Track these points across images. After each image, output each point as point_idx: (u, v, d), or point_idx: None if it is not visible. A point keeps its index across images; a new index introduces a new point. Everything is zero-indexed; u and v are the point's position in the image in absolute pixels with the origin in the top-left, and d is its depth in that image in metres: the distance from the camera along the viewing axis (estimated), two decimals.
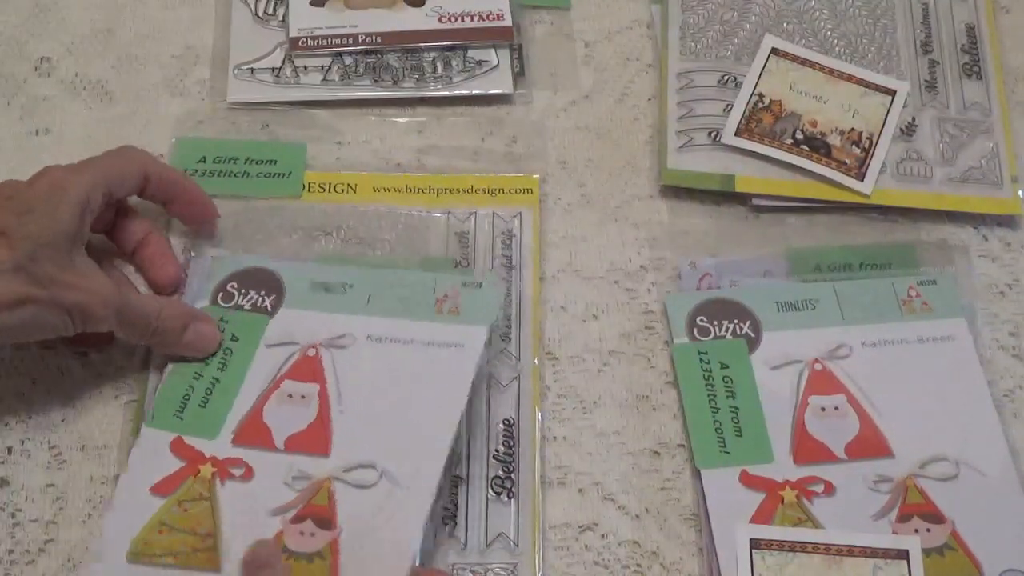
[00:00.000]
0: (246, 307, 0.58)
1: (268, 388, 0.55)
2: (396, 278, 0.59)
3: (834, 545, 0.53)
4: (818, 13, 0.70)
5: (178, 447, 0.53)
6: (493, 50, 0.69)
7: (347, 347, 0.56)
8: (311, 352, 0.56)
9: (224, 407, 0.55)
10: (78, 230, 0.52)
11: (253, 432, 0.54)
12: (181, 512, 0.51)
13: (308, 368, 0.56)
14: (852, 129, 0.66)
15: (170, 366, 0.56)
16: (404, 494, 0.51)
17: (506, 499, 0.54)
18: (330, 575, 0.50)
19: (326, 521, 0.51)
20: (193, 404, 0.55)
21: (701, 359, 0.58)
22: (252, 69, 0.68)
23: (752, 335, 0.59)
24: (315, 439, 0.54)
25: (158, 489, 0.52)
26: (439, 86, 0.68)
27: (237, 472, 0.53)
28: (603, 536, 0.54)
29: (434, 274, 0.59)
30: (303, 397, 0.55)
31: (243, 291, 0.58)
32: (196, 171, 0.63)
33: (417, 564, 0.50)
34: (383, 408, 0.55)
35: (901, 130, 0.66)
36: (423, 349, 0.56)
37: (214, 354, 0.56)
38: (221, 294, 0.58)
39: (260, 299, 0.58)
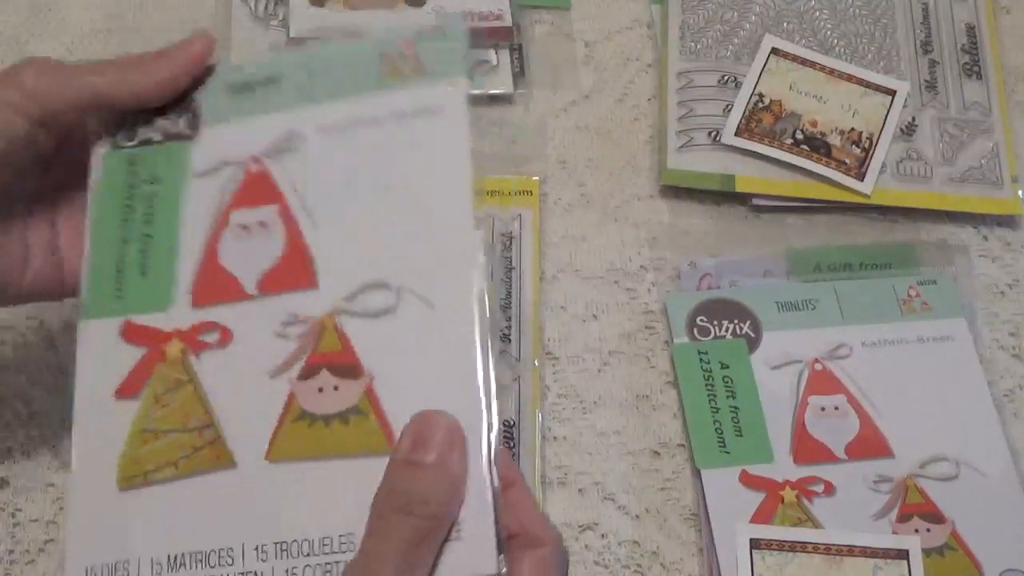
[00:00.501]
0: (156, 138, 0.45)
1: (214, 226, 0.43)
2: (333, 54, 0.45)
3: (834, 545, 0.53)
4: (818, 13, 0.70)
5: (131, 332, 0.42)
6: (493, 50, 0.69)
7: (297, 149, 0.44)
8: (254, 168, 0.44)
9: (168, 266, 0.43)
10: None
11: (214, 284, 0.42)
12: (162, 410, 0.41)
13: (256, 188, 0.43)
14: (852, 129, 0.66)
15: (88, 241, 0.45)
16: (440, 314, 0.39)
17: None
18: (382, 433, 0.39)
19: (347, 368, 0.40)
20: (131, 275, 0.43)
21: (701, 359, 0.58)
22: None
23: (752, 335, 0.59)
24: (293, 270, 0.42)
25: (123, 392, 0.42)
26: None
27: (211, 339, 0.41)
28: (603, 536, 0.54)
29: (379, 37, 0.45)
30: (262, 224, 0.43)
31: (148, 121, 0.45)
32: None
33: (484, 399, 0.38)
34: (366, 212, 0.42)
35: (901, 130, 0.66)
36: (393, 128, 0.43)
37: (132, 207, 0.44)
38: (122, 131, 0.46)
39: (173, 123, 0.45)
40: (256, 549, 0.38)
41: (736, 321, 0.59)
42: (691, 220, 0.64)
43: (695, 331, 0.59)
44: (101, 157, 0.45)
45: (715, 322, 0.59)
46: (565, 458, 0.56)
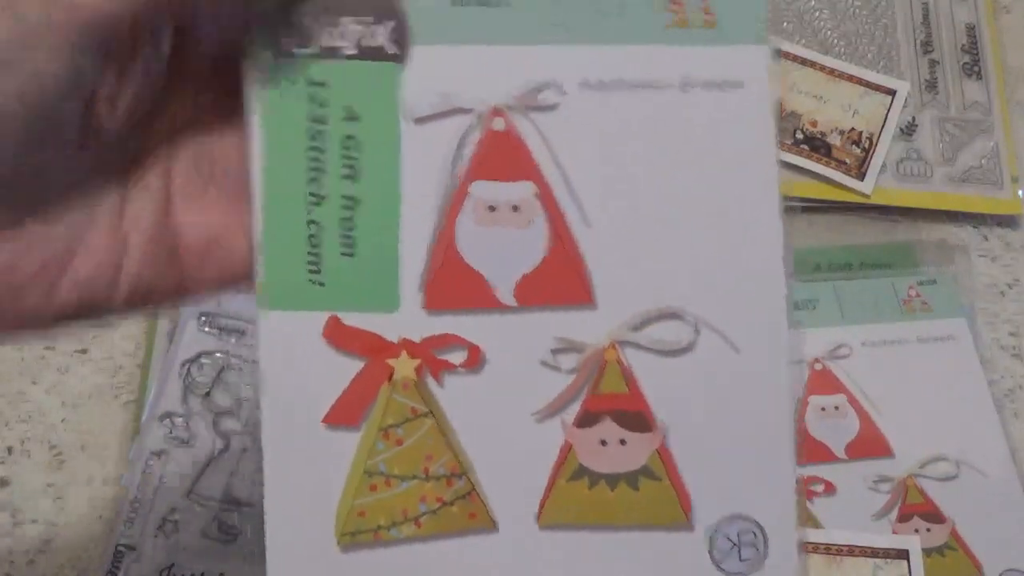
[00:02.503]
0: (347, 50, 0.30)
1: (451, 199, 0.31)
2: None
3: (834, 545, 0.53)
4: (818, 13, 0.70)
5: (340, 334, 0.31)
6: None
7: (555, 107, 0.31)
8: (497, 124, 0.31)
9: (385, 248, 0.31)
10: None
11: (455, 284, 0.31)
12: (394, 448, 0.31)
13: (503, 154, 0.31)
14: (852, 129, 0.66)
15: (259, 197, 0.30)
16: (746, 360, 0.33)
17: None
18: (678, 501, 0.32)
19: (636, 418, 0.32)
20: (330, 254, 0.31)
21: None
22: None
23: None
24: (563, 279, 0.32)
25: (336, 418, 0.31)
26: None
27: (456, 359, 0.31)
28: None
29: None
30: (515, 208, 0.31)
31: (331, 22, 0.30)
32: None
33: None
34: (653, 206, 0.32)
35: (901, 130, 0.66)
36: (679, 97, 0.32)
37: (321, 154, 0.31)
38: (289, 31, 0.30)
39: (369, 31, 0.30)
40: None
41: None
42: None
43: None
44: (261, 72, 0.30)
45: None
46: None
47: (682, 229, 0.32)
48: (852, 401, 0.57)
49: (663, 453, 0.32)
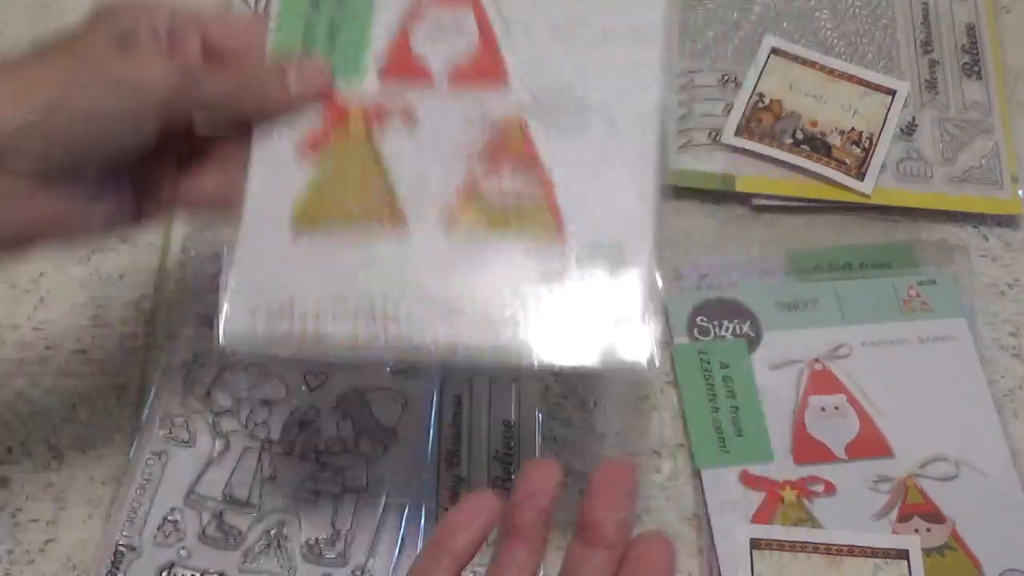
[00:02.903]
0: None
1: (409, 5, 0.46)
2: None
3: (834, 545, 0.53)
4: (818, 13, 0.70)
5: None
6: None
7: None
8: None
9: (358, 29, 0.45)
10: None
11: (404, 65, 0.45)
12: (341, 171, 0.44)
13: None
14: (852, 129, 0.66)
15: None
16: (621, 130, 0.43)
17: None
18: (554, 223, 0.43)
19: (526, 160, 0.43)
20: (320, 34, 0.45)
21: (701, 359, 0.58)
22: None
23: (752, 335, 0.59)
24: (484, 64, 0.44)
25: (306, 150, 0.44)
26: None
27: (395, 122, 0.44)
28: None
29: None
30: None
31: None
32: None
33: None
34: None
35: (901, 130, 0.66)
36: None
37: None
38: None
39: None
40: (409, 301, 0.42)
41: (736, 321, 0.59)
42: (691, 220, 0.64)
43: (695, 331, 0.59)
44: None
45: (715, 322, 0.59)
46: (565, 458, 0.56)
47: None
48: (852, 401, 0.57)
49: (547, 187, 0.43)
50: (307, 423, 0.55)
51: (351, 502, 0.53)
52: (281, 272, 0.43)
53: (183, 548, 0.52)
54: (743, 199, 0.65)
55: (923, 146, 0.66)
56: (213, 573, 0.51)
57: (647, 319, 0.42)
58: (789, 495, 0.54)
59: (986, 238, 0.64)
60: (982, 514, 0.54)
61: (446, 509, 0.54)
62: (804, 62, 0.68)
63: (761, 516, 0.53)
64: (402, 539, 0.52)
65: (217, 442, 0.55)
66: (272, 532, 0.52)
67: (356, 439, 0.55)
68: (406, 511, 0.53)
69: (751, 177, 0.64)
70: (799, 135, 0.65)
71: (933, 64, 0.69)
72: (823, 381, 0.58)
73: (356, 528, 0.52)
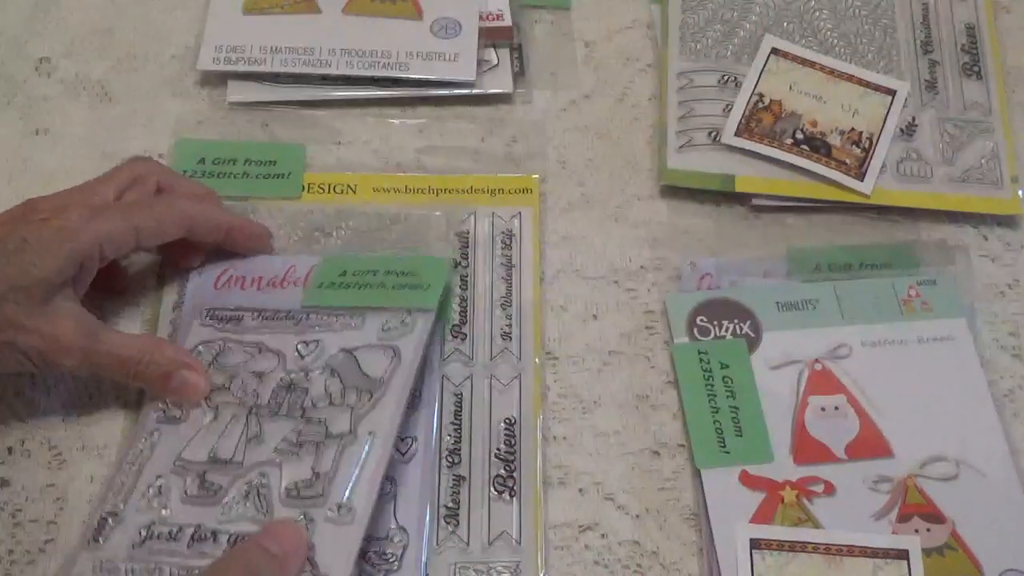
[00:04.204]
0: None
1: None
2: None
3: (834, 545, 0.53)
4: (818, 13, 0.70)
5: None
6: (493, 49, 0.69)
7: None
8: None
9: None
10: (66, 279, 0.52)
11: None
12: None
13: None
14: (852, 129, 0.66)
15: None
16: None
17: (508, 498, 0.54)
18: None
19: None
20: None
21: (701, 359, 0.58)
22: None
23: (752, 335, 0.59)
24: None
25: None
26: (439, 86, 0.68)
27: None
28: (603, 536, 0.54)
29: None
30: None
31: None
32: (195, 172, 0.63)
33: None
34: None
35: (901, 130, 0.66)
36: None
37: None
38: None
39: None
40: (330, 52, 0.68)
41: (736, 321, 0.59)
42: (691, 220, 0.64)
43: (695, 331, 0.59)
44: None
45: (715, 322, 0.59)
46: (565, 458, 0.56)
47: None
48: (852, 401, 0.57)
49: None
50: (295, 385, 0.55)
51: (334, 446, 0.52)
52: (238, 34, 0.68)
53: (165, 509, 0.51)
54: (743, 199, 0.65)
55: (923, 146, 0.66)
56: (191, 526, 0.50)
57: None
58: (789, 495, 0.54)
59: (986, 238, 0.64)
60: (982, 514, 0.54)
61: (448, 507, 0.54)
62: (804, 62, 0.68)
63: (761, 516, 0.53)
64: (384, 476, 0.51)
65: (207, 414, 0.54)
66: (253, 483, 0.51)
67: (343, 393, 0.54)
68: (391, 451, 0.52)
69: (751, 177, 0.64)
70: (799, 135, 0.65)
71: (933, 64, 0.69)
72: (823, 381, 0.58)
73: (338, 468, 0.51)
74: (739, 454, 0.55)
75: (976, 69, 0.69)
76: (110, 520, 0.51)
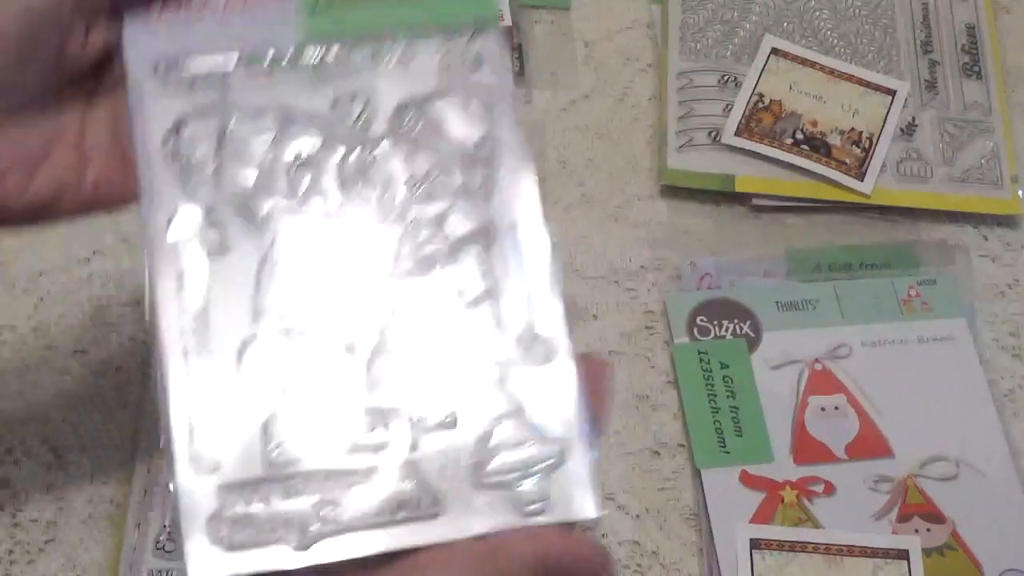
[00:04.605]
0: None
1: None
2: None
3: (834, 545, 0.53)
4: (818, 13, 0.70)
5: None
6: None
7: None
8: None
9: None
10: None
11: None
12: None
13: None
14: (852, 129, 0.66)
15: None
16: None
17: None
18: None
19: None
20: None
21: (701, 359, 0.58)
22: None
23: (752, 335, 0.59)
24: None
25: None
26: None
27: None
28: (603, 536, 0.54)
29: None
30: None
31: None
32: None
33: None
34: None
35: (901, 130, 0.66)
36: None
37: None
38: None
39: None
40: None
41: (736, 321, 0.59)
42: (691, 220, 0.64)
43: (695, 331, 0.59)
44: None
45: (715, 322, 0.59)
46: None
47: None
48: (852, 401, 0.57)
49: None
50: (366, 169, 0.39)
51: (473, 254, 0.38)
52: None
53: None
54: (743, 199, 0.65)
55: (923, 146, 0.66)
56: None
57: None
58: (789, 495, 0.54)
59: (986, 238, 0.64)
60: (982, 514, 0.54)
61: None
62: (804, 62, 0.68)
63: (761, 516, 0.53)
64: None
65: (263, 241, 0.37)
66: None
67: (440, 173, 0.38)
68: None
69: (751, 177, 0.64)
70: (799, 135, 0.65)
71: (933, 64, 0.69)
72: (823, 381, 0.58)
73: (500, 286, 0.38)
74: (739, 454, 0.55)
75: (976, 69, 0.69)
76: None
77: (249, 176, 0.38)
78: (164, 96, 0.38)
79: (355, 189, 0.38)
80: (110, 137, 0.41)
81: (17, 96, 0.38)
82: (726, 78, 0.68)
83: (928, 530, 0.53)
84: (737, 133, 0.65)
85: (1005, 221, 0.65)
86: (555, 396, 0.36)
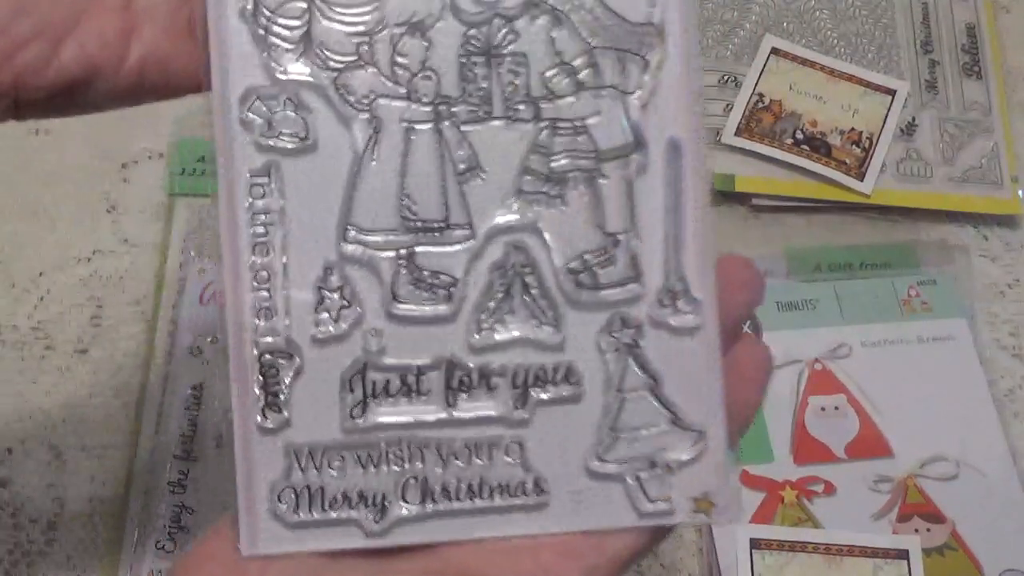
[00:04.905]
0: None
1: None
2: None
3: (834, 545, 0.53)
4: (818, 13, 0.70)
5: None
6: None
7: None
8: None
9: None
10: None
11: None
12: None
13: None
14: (852, 129, 0.66)
15: None
16: None
17: None
18: None
19: None
20: None
21: None
22: None
23: (752, 335, 0.59)
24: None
25: None
26: None
27: None
28: None
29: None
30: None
31: None
32: (196, 171, 0.63)
33: None
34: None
35: (901, 130, 0.66)
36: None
37: None
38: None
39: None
40: None
41: None
42: None
43: None
44: None
45: None
46: None
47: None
48: (852, 401, 0.57)
49: None
50: (496, 50, 0.30)
51: (618, 178, 0.32)
52: None
53: None
54: (743, 199, 0.65)
55: (923, 146, 0.66)
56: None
57: None
58: (789, 495, 0.54)
59: (986, 238, 0.64)
60: (982, 514, 0.54)
61: None
62: (804, 62, 0.68)
63: (761, 516, 0.53)
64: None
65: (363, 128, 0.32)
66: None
67: (591, 59, 0.32)
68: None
69: (751, 177, 0.64)
70: (799, 135, 0.65)
71: (933, 64, 0.69)
72: (823, 381, 0.58)
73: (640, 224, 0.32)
74: (739, 454, 0.55)
75: (976, 69, 0.69)
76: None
77: (344, 47, 0.30)
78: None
79: (478, 74, 0.30)
80: (170, 6, 0.32)
81: None
82: (726, 78, 0.68)
83: (928, 530, 0.53)
84: (737, 133, 0.65)
85: (1005, 221, 0.65)
86: (697, 374, 0.31)
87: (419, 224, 0.30)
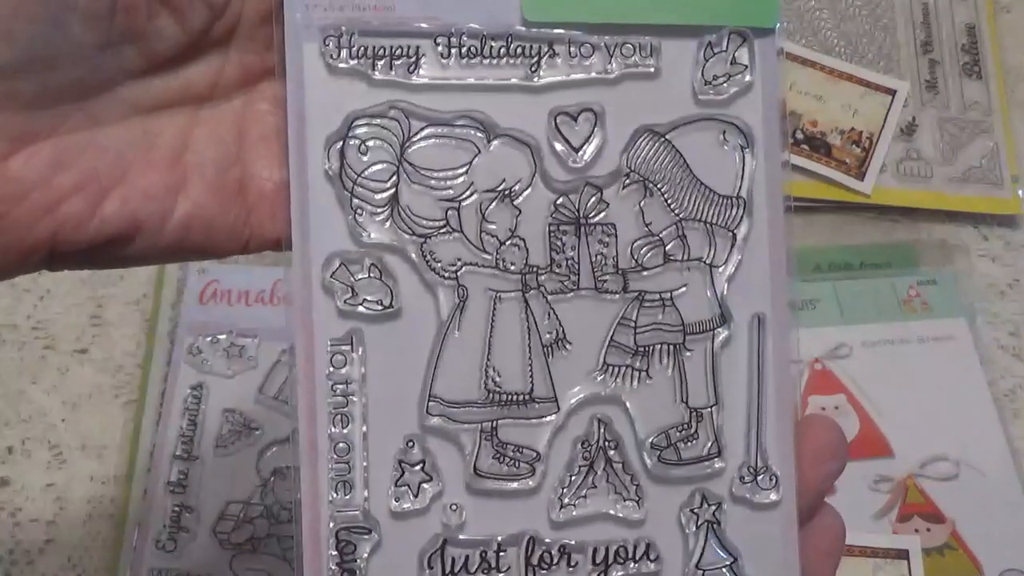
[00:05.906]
0: None
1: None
2: None
3: None
4: (818, 13, 0.70)
5: None
6: None
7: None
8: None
9: None
10: None
11: None
12: None
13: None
14: (852, 129, 0.66)
15: None
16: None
17: None
18: None
19: None
20: None
21: None
22: None
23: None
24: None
25: None
26: None
27: None
28: None
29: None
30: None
31: None
32: None
33: None
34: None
35: (901, 130, 0.66)
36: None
37: None
38: None
39: None
40: None
41: None
42: None
43: None
44: None
45: None
46: None
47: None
48: (852, 401, 0.57)
49: None
50: (586, 219, 0.30)
51: (700, 348, 0.32)
52: None
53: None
54: None
55: (923, 146, 0.66)
56: None
57: None
58: None
59: (986, 238, 0.64)
60: (982, 514, 0.54)
61: None
62: (804, 62, 0.68)
63: None
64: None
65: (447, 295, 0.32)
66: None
67: (679, 230, 0.30)
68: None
69: None
70: (799, 135, 0.65)
71: (933, 64, 0.69)
72: (823, 381, 0.58)
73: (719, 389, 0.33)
74: None
75: (976, 69, 0.69)
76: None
77: (431, 212, 0.29)
78: (335, 83, 0.28)
79: (567, 243, 0.30)
80: (225, 153, 0.30)
81: (86, 71, 0.27)
82: None
83: (928, 530, 0.53)
84: None
85: (1005, 221, 0.65)
86: (775, 550, 0.31)
87: (503, 397, 0.29)
